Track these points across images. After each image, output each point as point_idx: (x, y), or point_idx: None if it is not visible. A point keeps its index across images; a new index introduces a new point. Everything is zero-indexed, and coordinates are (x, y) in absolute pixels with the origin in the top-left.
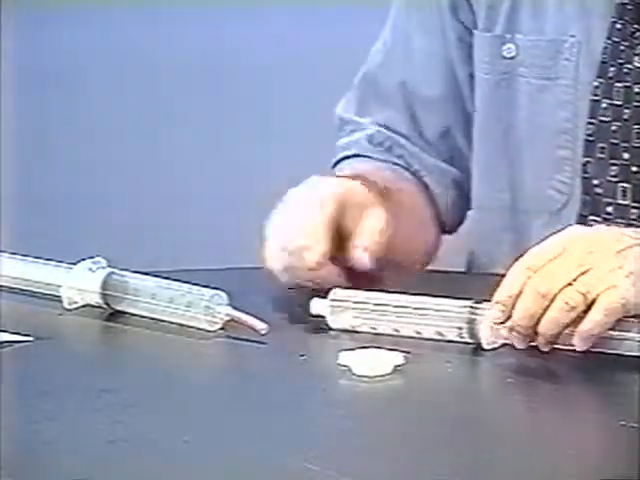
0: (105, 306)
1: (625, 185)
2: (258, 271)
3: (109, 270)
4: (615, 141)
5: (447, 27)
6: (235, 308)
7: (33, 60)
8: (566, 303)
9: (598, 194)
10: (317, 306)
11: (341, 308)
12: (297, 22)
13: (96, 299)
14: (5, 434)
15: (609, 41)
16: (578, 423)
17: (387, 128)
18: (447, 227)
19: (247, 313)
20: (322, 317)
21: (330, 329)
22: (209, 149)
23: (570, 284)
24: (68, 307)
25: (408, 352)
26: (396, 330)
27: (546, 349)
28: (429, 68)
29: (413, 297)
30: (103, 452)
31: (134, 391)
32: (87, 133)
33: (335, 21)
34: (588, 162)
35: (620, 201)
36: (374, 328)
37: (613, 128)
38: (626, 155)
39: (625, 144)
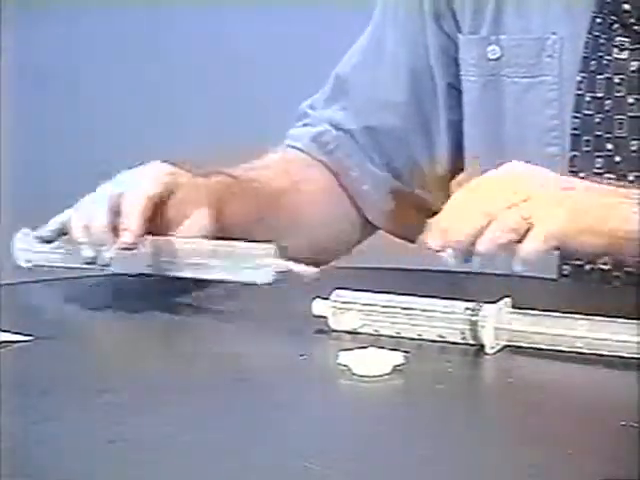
0: (152, 271)
1: (610, 176)
2: None
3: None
4: (599, 133)
5: (429, 35)
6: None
7: (33, 58)
8: (506, 224)
9: None
10: (319, 307)
11: (343, 309)
12: (297, 22)
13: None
14: (5, 434)
15: (590, 35)
16: (578, 423)
17: (339, 128)
18: (378, 225)
19: (294, 261)
20: (324, 317)
21: (332, 331)
22: (209, 148)
23: (510, 207)
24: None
25: (408, 352)
26: (398, 332)
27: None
28: (397, 73)
29: (416, 299)
30: (103, 452)
31: (134, 391)
32: (87, 132)
33: (337, 22)
34: (575, 156)
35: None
36: (377, 330)
37: (596, 120)
38: (609, 146)
39: (608, 135)
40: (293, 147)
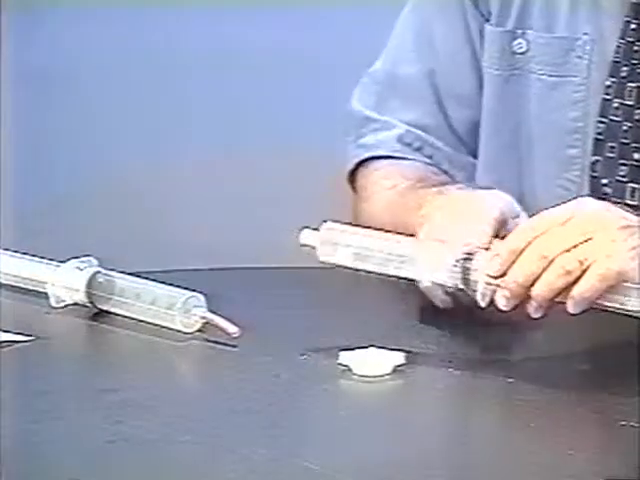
0: (90, 305)
1: (634, 185)
2: (258, 271)
3: (95, 269)
4: (625, 141)
5: (470, 18)
6: (211, 311)
7: (32, 58)
8: (562, 267)
9: (606, 193)
10: (307, 236)
11: (331, 242)
12: (297, 23)
13: (82, 298)
14: (5, 434)
15: (623, 41)
16: (578, 423)
17: (415, 127)
18: None
19: (222, 316)
20: (312, 247)
21: (320, 262)
22: (209, 149)
23: (569, 250)
24: (55, 305)
25: (408, 352)
26: (388, 272)
27: (536, 315)
28: (456, 63)
29: (408, 242)
30: (103, 452)
31: (133, 391)
32: (87, 132)
33: (336, 23)
34: (597, 161)
35: (628, 201)
36: (364, 268)
37: (624, 128)
38: (636, 155)
39: (636, 144)
40: (376, 157)
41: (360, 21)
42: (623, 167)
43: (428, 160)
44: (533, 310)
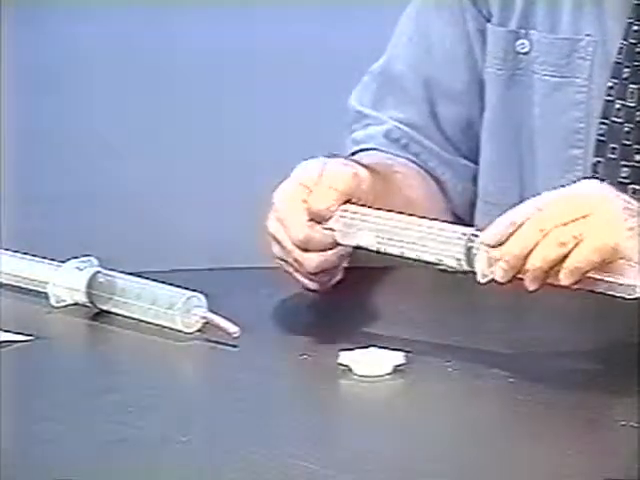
0: (90, 305)
1: (636, 187)
2: (258, 271)
3: (96, 269)
4: (627, 142)
5: (468, 17)
6: (211, 311)
7: (32, 58)
8: (557, 239)
9: None
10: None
11: (350, 224)
12: (297, 23)
13: (82, 298)
14: (5, 434)
15: (625, 42)
16: (578, 423)
17: (406, 124)
18: (467, 221)
19: (223, 316)
20: (332, 230)
21: (338, 244)
22: (208, 149)
23: (566, 224)
24: (55, 305)
25: (408, 352)
26: (402, 252)
27: (532, 287)
28: (451, 61)
29: (418, 219)
30: (103, 452)
31: (133, 391)
32: (87, 131)
33: (336, 22)
34: (599, 162)
35: None
36: (379, 248)
37: (626, 129)
38: (638, 157)
39: (637, 146)
40: (365, 150)
41: (364, 21)
42: (625, 169)
43: (413, 157)
44: (528, 282)
